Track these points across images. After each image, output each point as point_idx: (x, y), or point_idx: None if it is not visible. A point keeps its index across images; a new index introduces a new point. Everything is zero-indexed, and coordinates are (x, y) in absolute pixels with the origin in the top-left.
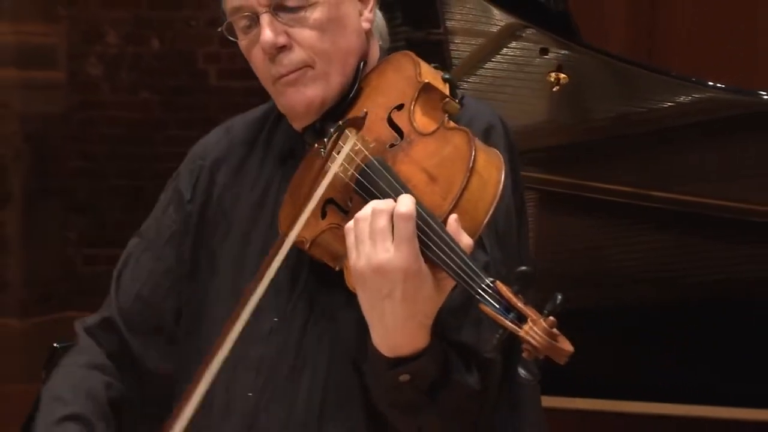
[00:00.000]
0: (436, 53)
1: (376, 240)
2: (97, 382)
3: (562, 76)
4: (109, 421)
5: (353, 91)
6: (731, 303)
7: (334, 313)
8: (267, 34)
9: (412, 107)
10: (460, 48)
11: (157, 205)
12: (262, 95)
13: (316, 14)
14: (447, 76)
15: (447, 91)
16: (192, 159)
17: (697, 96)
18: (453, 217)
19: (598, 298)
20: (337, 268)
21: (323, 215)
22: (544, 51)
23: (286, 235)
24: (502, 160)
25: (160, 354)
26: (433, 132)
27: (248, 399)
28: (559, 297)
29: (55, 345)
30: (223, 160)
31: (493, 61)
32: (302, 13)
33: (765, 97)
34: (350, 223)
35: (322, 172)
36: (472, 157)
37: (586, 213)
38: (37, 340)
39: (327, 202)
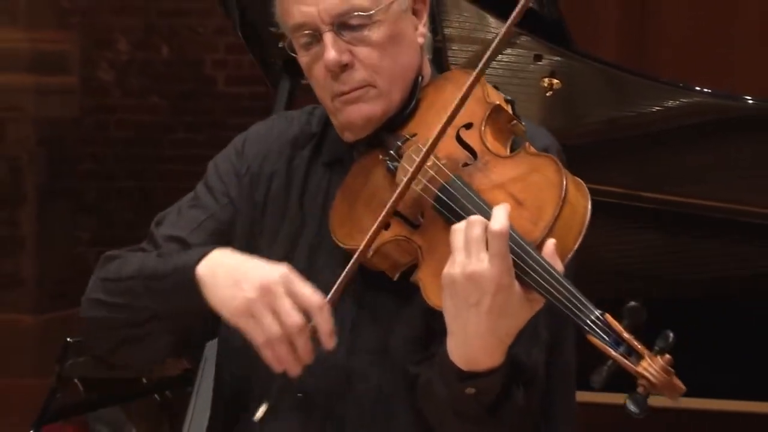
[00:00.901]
0: (434, 59)
1: (471, 250)
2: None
3: (555, 81)
4: None
5: (412, 105)
6: (720, 299)
7: (385, 320)
8: (331, 53)
9: (482, 128)
10: (458, 54)
11: (208, 176)
12: (267, 100)
13: (378, 33)
14: (509, 98)
15: (511, 112)
16: (253, 140)
17: (684, 101)
18: (551, 241)
19: (592, 294)
20: (395, 278)
21: (386, 227)
22: (538, 57)
23: (364, 248)
24: (586, 189)
25: None
26: (513, 156)
27: (298, 399)
28: (671, 335)
29: (68, 339)
30: (277, 148)
31: (489, 67)
32: (365, 32)
33: (749, 101)
34: (458, 225)
35: (393, 185)
36: (564, 186)
37: None
38: (50, 336)
39: (394, 215)
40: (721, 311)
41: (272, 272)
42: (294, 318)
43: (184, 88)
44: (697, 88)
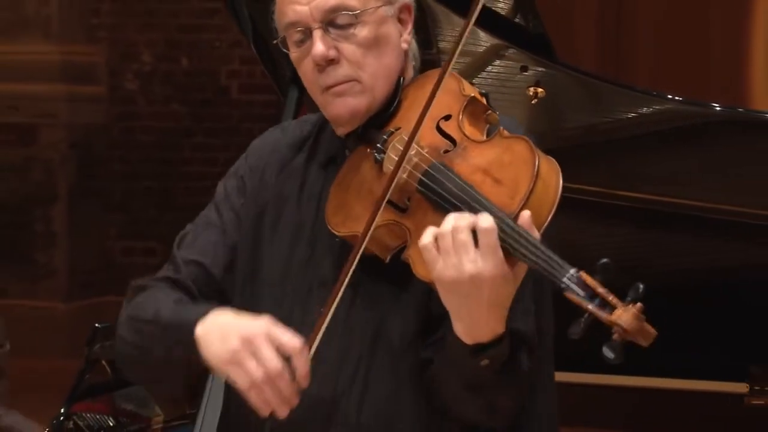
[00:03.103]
0: (427, 71)
1: (460, 253)
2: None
3: (540, 90)
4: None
5: (395, 103)
6: (687, 287)
7: (379, 302)
8: (319, 47)
9: (460, 117)
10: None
11: (216, 196)
12: (278, 107)
13: (363, 32)
14: (484, 92)
15: (485, 104)
16: (251, 154)
17: (657, 107)
18: (526, 213)
19: None
20: (387, 260)
21: None
22: (524, 68)
23: (363, 235)
24: (558, 166)
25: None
26: (489, 140)
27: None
28: (641, 286)
29: (96, 325)
30: (275, 158)
31: (479, 77)
32: (351, 31)
33: (716, 108)
34: (427, 238)
35: (383, 176)
36: (537, 163)
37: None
38: (80, 322)
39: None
40: (688, 298)
41: (254, 324)
42: (274, 362)
43: (202, 97)
44: (669, 96)
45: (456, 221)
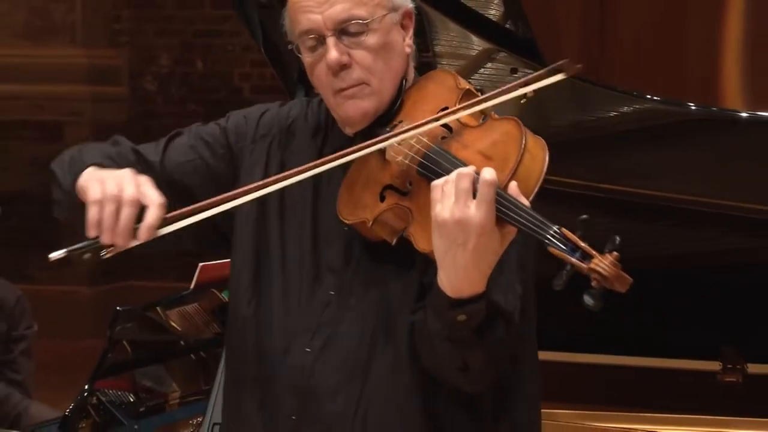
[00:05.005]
0: (426, 72)
1: (460, 197)
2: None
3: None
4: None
5: (398, 103)
6: (664, 273)
7: (384, 283)
8: (333, 53)
9: (456, 108)
10: (446, 68)
11: (222, 121)
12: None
13: (372, 39)
14: (478, 88)
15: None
16: (269, 120)
17: (637, 106)
18: (513, 183)
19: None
20: (393, 242)
21: (382, 199)
22: (514, 70)
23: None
24: (545, 143)
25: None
26: (482, 124)
27: (306, 353)
28: (617, 238)
29: (117, 308)
30: (287, 134)
31: (472, 79)
32: (362, 38)
33: (692, 107)
34: (438, 181)
35: (387, 164)
36: (524, 139)
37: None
38: (103, 304)
39: (385, 188)
40: (665, 282)
41: (128, 173)
42: (130, 190)
43: (216, 97)
44: (648, 96)
45: (462, 170)
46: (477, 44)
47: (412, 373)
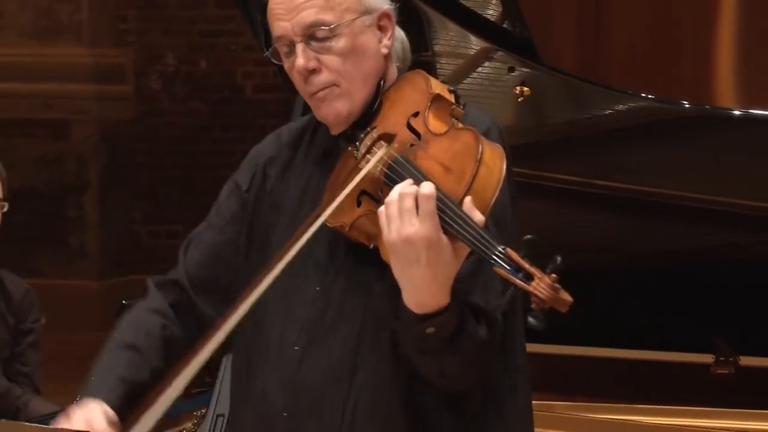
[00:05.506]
0: (425, 71)
1: (403, 217)
2: (155, 323)
3: (526, 89)
4: (159, 354)
5: (376, 104)
6: (665, 268)
7: (368, 284)
8: (300, 60)
9: (426, 114)
10: (445, 67)
11: (218, 198)
12: (288, 105)
13: (340, 43)
14: (452, 89)
15: (453, 100)
16: (249, 159)
17: (632, 105)
18: (468, 198)
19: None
20: (371, 246)
21: (358, 204)
22: (511, 69)
23: (323, 210)
24: (503, 151)
25: (216, 307)
26: (446, 132)
27: (294, 351)
28: (559, 258)
29: (123, 302)
30: (274, 159)
31: (470, 78)
32: (329, 43)
33: (686, 106)
34: (382, 207)
35: (356, 169)
36: (480, 151)
37: (545, 197)
38: (110, 298)
39: (361, 194)
40: (660, 276)
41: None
42: None
43: (219, 96)
44: (643, 94)
45: (401, 189)
46: (475, 44)
47: (399, 373)
